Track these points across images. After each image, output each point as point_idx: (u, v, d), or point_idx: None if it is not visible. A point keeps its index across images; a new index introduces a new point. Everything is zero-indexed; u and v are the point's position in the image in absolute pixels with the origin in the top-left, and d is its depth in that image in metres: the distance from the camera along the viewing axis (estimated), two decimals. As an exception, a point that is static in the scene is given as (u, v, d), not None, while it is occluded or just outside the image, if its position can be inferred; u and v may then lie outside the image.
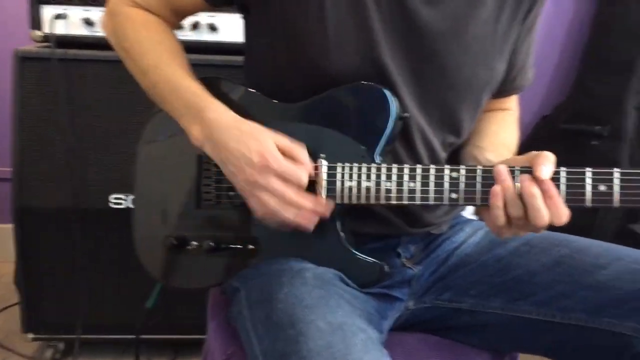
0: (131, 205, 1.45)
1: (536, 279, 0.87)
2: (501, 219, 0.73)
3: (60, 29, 1.42)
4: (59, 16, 1.40)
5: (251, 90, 0.90)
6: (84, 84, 1.42)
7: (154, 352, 1.63)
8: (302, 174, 0.77)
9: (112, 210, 1.45)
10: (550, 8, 2.01)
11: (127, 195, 1.45)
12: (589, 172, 0.72)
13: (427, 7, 0.82)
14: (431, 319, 0.93)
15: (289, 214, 0.77)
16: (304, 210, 0.77)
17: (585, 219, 1.82)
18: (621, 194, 0.71)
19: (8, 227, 2.06)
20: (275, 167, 0.76)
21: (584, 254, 0.86)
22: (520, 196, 0.72)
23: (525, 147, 2.12)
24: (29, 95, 1.40)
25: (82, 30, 1.43)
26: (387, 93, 0.81)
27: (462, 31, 0.84)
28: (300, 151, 0.78)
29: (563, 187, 0.72)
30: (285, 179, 0.76)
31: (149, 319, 1.08)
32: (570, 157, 1.89)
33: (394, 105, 0.81)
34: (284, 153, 0.77)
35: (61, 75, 1.39)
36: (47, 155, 1.43)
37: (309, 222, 0.78)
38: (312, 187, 0.80)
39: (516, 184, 0.72)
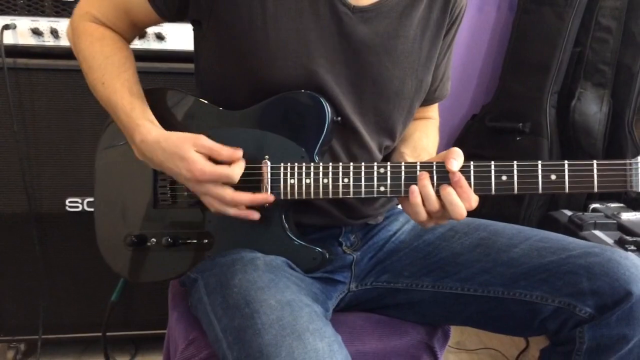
0: (87, 208, 1.50)
1: (460, 259, 0.98)
2: (422, 214, 0.85)
3: (8, 39, 1.44)
4: (7, 26, 1.42)
5: (199, 99, 0.98)
6: (33, 92, 1.45)
7: (116, 349, 1.68)
8: (230, 172, 0.86)
9: (68, 214, 1.50)
10: (475, 17, 2.16)
11: (82, 199, 1.50)
12: (492, 165, 0.84)
13: (361, 24, 0.92)
14: (372, 298, 1.04)
15: (230, 212, 0.88)
16: (242, 206, 0.88)
17: (513, 209, 1.99)
18: (519, 183, 0.83)
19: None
20: (204, 178, 0.86)
21: (499, 236, 0.98)
22: (438, 195, 0.83)
23: (458, 142, 2.26)
24: (-22, 104, 1.43)
25: (30, 40, 1.46)
26: (322, 100, 0.91)
27: (391, 47, 0.94)
28: (222, 148, 0.87)
29: (472, 178, 0.84)
30: (217, 182, 0.86)
31: (110, 317, 1.14)
32: (497, 151, 2.05)
33: (328, 110, 0.91)
34: (210, 156, 0.87)
35: (11, 84, 1.41)
36: (1, 162, 1.45)
37: (251, 215, 0.89)
38: (259, 184, 0.90)
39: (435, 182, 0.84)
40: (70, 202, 1.49)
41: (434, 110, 1.18)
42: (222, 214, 0.89)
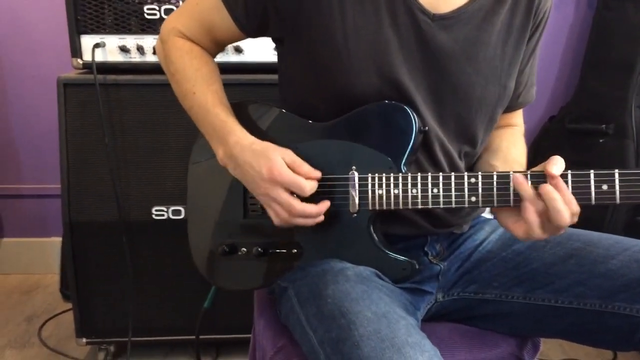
0: (172, 217, 1.56)
1: (553, 270, 0.96)
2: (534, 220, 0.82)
3: (99, 56, 1.52)
4: (97, 45, 1.50)
5: (286, 111, 1.01)
6: (122, 106, 1.52)
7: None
8: (304, 184, 0.89)
9: (154, 221, 1.56)
10: (552, 15, 2.09)
11: (167, 207, 1.56)
12: (592, 174, 0.81)
13: (441, 32, 0.92)
14: (459, 309, 1.03)
15: (297, 221, 0.91)
16: (310, 216, 0.90)
17: (597, 214, 1.91)
18: (621, 192, 0.80)
19: (53, 240, 2.22)
20: (280, 180, 0.88)
21: (594, 246, 0.95)
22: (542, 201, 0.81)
23: (535, 146, 2.20)
24: (72, 118, 1.51)
25: (118, 57, 1.54)
26: (409, 110, 0.91)
27: (473, 53, 0.93)
28: (303, 164, 0.91)
29: (570, 188, 0.81)
30: (290, 189, 0.89)
31: (201, 320, 1.18)
32: (578, 155, 1.98)
33: (415, 120, 0.91)
34: (291, 167, 0.90)
35: (102, 99, 1.49)
36: (93, 173, 1.53)
37: (317, 220, 0.91)
38: (346, 195, 0.92)
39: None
40: (156, 210, 1.56)
41: (518, 117, 1.15)
42: (284, 225, 0.92)
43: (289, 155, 0.91)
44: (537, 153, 2.00)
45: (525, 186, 0.82)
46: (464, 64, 0.93)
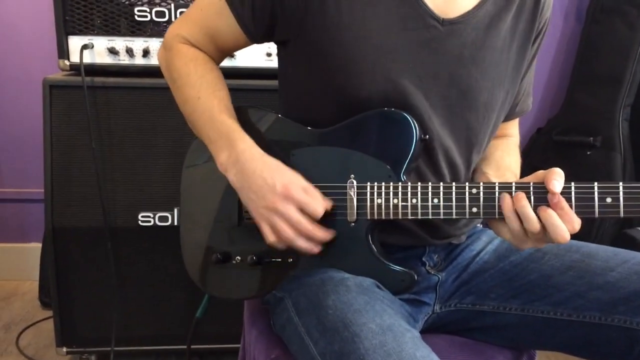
0: (158, 223, 1.52)
1: (551, 282, 0.95)
2: (523, 237, 0.82)
3: (87, 58, 1.48)
4: (85, 46, 1.47)
5: (283, 117, 0.99)
6: (109, 109, 1.49)
7: (183, 361, 1.69)
8: (319, 206, 0.87)
9: (140, 228, 1.52)
10: (542, 27, 2.12)
11: (154, 214, 1.52)
12: (596, 186, 0.80)
13: (450, 37, 0.91)
14: (455, 320, 1.01)
15: (300, 243, 0.88)
16: (314, 240, 0.88)
17: (584, 225, 1.91)
18: (625, 205, 0.79)
19: (32, 246, 2.16)
20: (296, 198, 0.86)
21: (593, 258, 0.95)
22: (538, 217, 0.80)
23: (522, 157, 2.20)
24: (58, 121, 1.47)
25: (106, 59, 1.50)
26: (409, 117, 0.89)
27: (480, 58, 0.93)
28: (316, 190, 0.89)
29: (573, 199, 0.80)
30: (303, 209, 0.86)
31: (193, 330, 1.15)
32: (565, 167, 1.95)
33: (415, 128, 0.89)
34: (302, 189, 0.87)
35: (89, 101, 1.45)
36: (78, 178, 1.49)
37: (315, 249, 0.89)
38: (344, 204, 0.89)
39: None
40: (142, 216, 1.52)
41: (514, 127, 1.15)
42: (285, 243, 0.89)
43: (301, 178, 0.89)
44: (524, 164, 2.01)
45: (527, 210, 0.80)
46: (471, 68, 0.92)
